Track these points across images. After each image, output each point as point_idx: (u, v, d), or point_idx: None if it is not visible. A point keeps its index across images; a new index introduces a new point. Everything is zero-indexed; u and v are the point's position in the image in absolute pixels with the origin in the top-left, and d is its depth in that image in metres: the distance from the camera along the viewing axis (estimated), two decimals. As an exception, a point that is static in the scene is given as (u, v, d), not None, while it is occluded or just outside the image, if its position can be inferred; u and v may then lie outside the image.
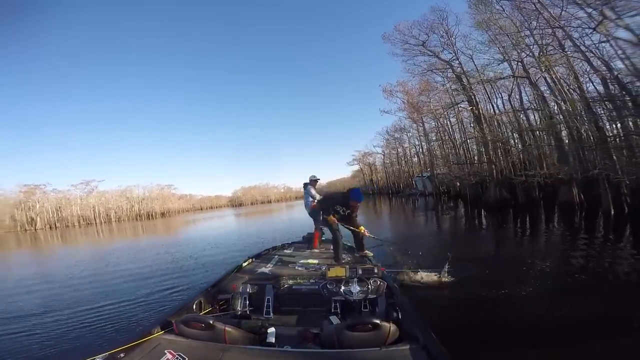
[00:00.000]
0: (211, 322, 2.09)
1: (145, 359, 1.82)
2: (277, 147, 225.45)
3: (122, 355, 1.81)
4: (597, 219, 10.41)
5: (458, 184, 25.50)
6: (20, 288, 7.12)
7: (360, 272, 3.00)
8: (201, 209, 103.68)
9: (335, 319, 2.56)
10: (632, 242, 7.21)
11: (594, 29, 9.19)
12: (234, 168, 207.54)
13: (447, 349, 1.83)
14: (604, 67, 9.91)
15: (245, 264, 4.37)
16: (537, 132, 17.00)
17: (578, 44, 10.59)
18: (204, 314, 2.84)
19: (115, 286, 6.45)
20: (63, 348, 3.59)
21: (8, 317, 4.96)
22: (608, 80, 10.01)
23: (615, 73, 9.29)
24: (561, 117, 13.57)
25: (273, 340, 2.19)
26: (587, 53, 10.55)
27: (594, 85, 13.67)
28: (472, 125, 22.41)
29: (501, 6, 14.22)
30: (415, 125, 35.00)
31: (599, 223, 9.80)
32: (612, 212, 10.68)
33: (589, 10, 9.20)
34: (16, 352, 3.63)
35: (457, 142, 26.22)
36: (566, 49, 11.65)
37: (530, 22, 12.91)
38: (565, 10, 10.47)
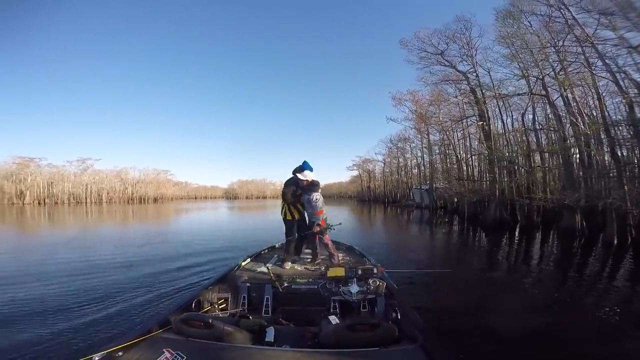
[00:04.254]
0: (210, 321, 2.06)
1: (144, 358, 1.79)
2: (278, 144, 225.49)
3: (120, 353, 1.78)
4: (600, 248, 10.27)
5: (456, 199, 25.13)
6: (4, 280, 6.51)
7: (359, 272, 3.02)
8: (195, 198, 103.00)
9: (334, 319, 2.48)
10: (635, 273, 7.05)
11: (635, 48, 8.76)
12: (232, 160, 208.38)
13: (446, 349, 1.90)
14: (635, 90, 9.48)
15: (244, 263, 4.21)
16: (546, 154, 16.66)
17: (609, 63, 10.21)
18: (203, 312, 2.82)
19: (111, 282, 6.07)
20: (60, 347, 3.39)
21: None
22: (635, 104, 9.60)
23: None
24: (573, 140, 13.24)
25: (272, 339, 2.18)
26: (617, 74, 10.17)
27: (607, 111, 13.41)
28: (478, 141, 22.08)
29: (529, 21, 13.89)
30: (419, 136, 34.80)
31: (603, 252, 9.64)
32: (616, 242, 10.43)
33: (624, 32, 8.83)
34: (9, 352, 3.34)
35: (461, 158, 25.90)
36: (593, 69, 11.27)
37: (558, 40, 12.57)
38: (607, 27, 10.03)
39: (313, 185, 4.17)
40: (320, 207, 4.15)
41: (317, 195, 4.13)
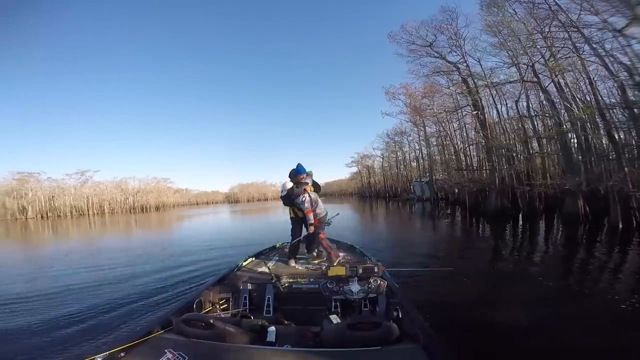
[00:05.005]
0: (211, 321, 2.07)
1: (146, 358, 1.80)
2: (277, 145, 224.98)
3: (122, 354, 1.80)
4: (605, 232, 10.18)
5: (457, 190, 25.07)
6: (9, 284, 6.64)
7: (360, 271, 2.99)
8: (197, 204, 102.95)
9: (335, 318, 2.47)
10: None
11: (620, 31, 8.66)
12: (232, 164, 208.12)
13: (448, 348, 1.82)
14: (625, 73, 9.38)
15: (245, 263, 4.25)
16: (543, 140, 16.58)
17: (597, 47, 10.10)
18: (204, 313, 2.83)
19: (113, 284, 6.16)
20: (62, 348, 3.44)
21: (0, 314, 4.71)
22: (627, 87, 9.51)
23: (638, 79, 8.77)
24: (569, 125, 13.15)
25: (273, 339, 2.19)
26: (605, 58, 10.08)
27: (600, 95, 13.33)
28: (475, 131, 22.01)
29: (514, 9, 13.81)
30: (416, 129, 34.71)
31: (609, 236, 9.56)
32: (621, 226, 10.37)
33: (607, 16, 8.73)
34: (10, 353, 3.41)
35: (458, 148, 25.80)
36: (582, 54, 11.19)
37: (544, 27, 12.49)
38: (590, 12, 9.92)
39: (293, 190, 4.48)
40: (307, 208, 4.42)
41: (302, 197, 4.42)
